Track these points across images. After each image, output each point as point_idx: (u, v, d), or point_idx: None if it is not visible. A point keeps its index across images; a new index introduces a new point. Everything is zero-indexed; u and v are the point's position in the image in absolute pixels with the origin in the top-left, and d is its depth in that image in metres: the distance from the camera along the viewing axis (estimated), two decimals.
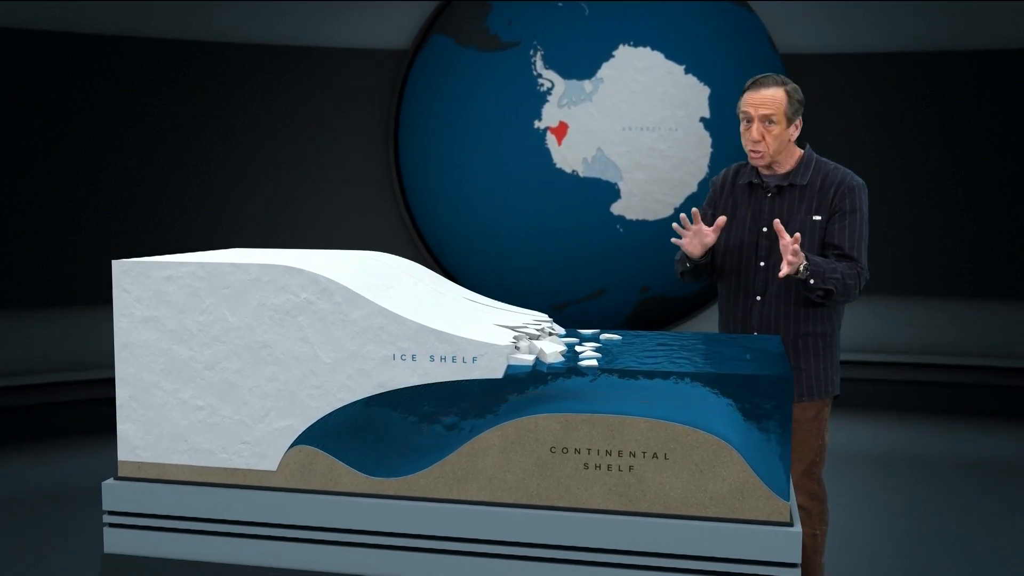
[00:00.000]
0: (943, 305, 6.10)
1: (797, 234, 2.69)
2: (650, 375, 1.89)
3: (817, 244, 2.87)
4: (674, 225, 2.89)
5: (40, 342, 5.66)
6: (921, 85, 5.98)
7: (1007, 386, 5.84)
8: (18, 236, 5.57)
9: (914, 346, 6.08)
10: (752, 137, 2.86)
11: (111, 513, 2.12)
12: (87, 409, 5.48)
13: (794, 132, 2.90)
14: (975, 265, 6.03)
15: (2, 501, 4.44)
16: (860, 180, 2.89)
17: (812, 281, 2.73)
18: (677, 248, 2.98)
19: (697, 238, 2.87)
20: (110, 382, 5.65)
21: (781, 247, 2.69)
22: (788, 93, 2.87)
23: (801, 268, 2.71)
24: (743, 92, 2.92)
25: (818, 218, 2.86)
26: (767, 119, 2.84)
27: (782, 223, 2.82)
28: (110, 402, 5.18)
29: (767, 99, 2.85)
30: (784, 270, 2.68)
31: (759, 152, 2.87)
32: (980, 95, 5.90)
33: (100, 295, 5.59)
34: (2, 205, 5.52)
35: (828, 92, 6.01)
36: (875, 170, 5.95)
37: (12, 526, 4.13)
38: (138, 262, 2.11)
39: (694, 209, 2.88)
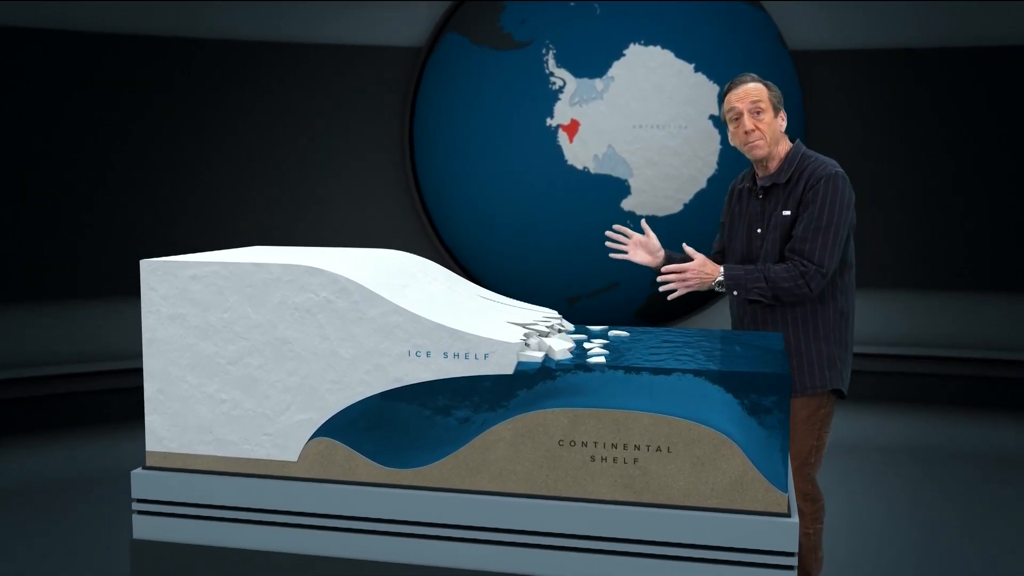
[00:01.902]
0: (943, 298, 6.14)
1: (692, 264, 2.85)
2: (654, 372, 1.97)
3: (788, 239, 2.89)
4: (609, 242, 3.13)
5: (39, 335, 5.73)
6: (929, 81, 6.01)
7: (1006, 378, 5.88)
8: (22, 230, 5.64)
9: (915, 339, 6.12)
10: (745, 127, 2.90)
11: (140, 501, 2.22)
12: (92, 400, 5.59)
13: (781, 123, 2.95)
14: (975, 259, 6.07)
15: (28, 489, 4.55)
16: (832, 170, 2.85)
17: (736, 292, 2.86)
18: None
19: (640, 248, 3.09)
20: (111, 374, 5.69)
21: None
22: (767, 86, 2.94)
23: (714, 285, 2.87)
24: (723, 96, 3.00)
25: (787, 213, 2.88)
26: (755, 109, 2.90)
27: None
28: (112, 393, 5.23)
29: (750, 91, 2.91)
30: (672, 295, 2.87)
31: (756, 141, 2.91)
32: (989, 91, 5.93)
33: (101, 289, 5.73)
34: (11, 200, 5.60)
35: (838, 88, 6.05)
36: (884, 164, 6.01)
37: (40, 514, 4.23)
38: (165, 261, 2.20)
39: (616, 225, 3.10)
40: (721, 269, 2.87)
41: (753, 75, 2.98)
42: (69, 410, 5.58)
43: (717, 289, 2.87)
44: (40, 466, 4.91)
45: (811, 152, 2.97)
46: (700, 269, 2.85)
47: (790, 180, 2.91)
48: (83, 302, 5.81)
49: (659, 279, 2.89)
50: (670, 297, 2.88)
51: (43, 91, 5.61)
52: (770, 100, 2.91)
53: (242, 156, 6.11)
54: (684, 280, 2.85)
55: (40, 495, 4.47)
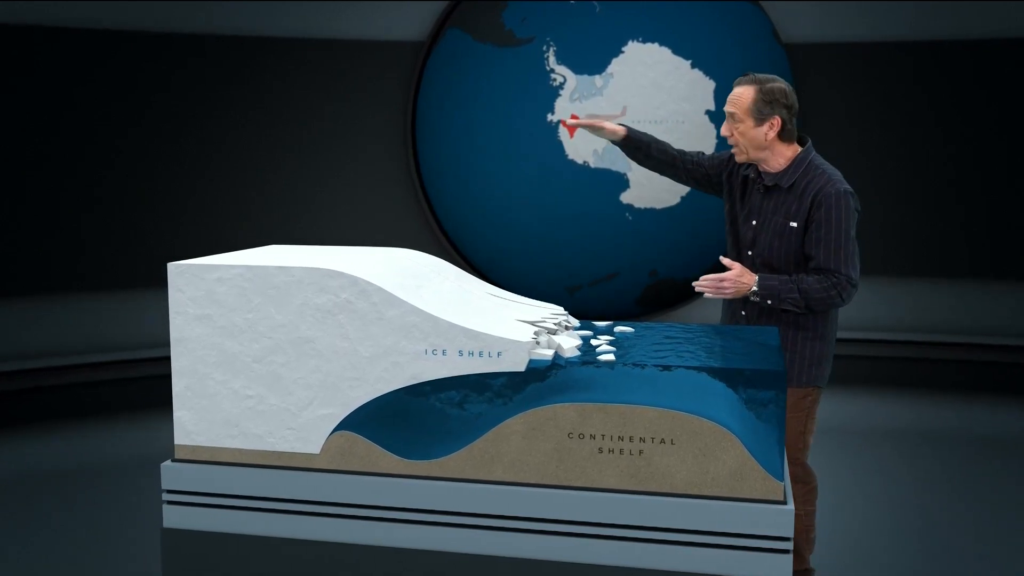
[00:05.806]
0: (939, 286, 6.24)
1: (730, 273, 2.89)
2: (658, 368, 2.08)
3: (795, 250, 2.92)
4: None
5: (42, 329, 5.79)
6: (924, 74, 6.09)
7: (999, 363, 5.97)
8: (24, 227, 5.70)
9: (910, 325, 6.23)
10: (723, 132, 2.99)
11: (169, 492, 2.33)
12: (94, 391, 5.66)
13: (768, 131, 2.89)
14: (972, 248, 6.18)
15: (56, 476, 4.63)
16: (841, 188, 2.86)
17: (769, 302, 2.88)
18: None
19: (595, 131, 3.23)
20: (111, 365, 5.71)
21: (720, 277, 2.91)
22: (758, 91, 2.88)
23: (750, 294, 2.89)
24: None
25: (794, 225, 2.89)
26: (731, 116, 2.93)
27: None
28: (122, 383, 5.22)
29: (733, 97, 2.93)
30: (709, 294, 2.91)
31: (734, 147, 2.97)
32: (985, 84, 6.01)
33: (102, 283, 5.79)
34: (12, 199, 5.66)
35: (833, 82, 6.14)
36: (880, 156, 6.11)
37: (70, 501, 4.32)
38: (191, 264, 2.30)
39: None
40: (756, 279, 2.89)
41: (752, 76, 2.94)
42: (69, 403, 5.62)
43: (752, 299, 2.90)
44: (58, 455, 4.96)
45: (820, 161, 2.97)
46: (737, 279, 2.88)
47: (794, 186, 2.91)
48: (85, 297, 5.87)
49: (695, 285, 2.93)
50: (704, 295, 2.96)
51: (41, 90, 5.63)
52: (749, 110, 2.88)
53: (244, 152, 6.15)
54: (720, 288, 2.89)
55: (64, 483, 4.51)
